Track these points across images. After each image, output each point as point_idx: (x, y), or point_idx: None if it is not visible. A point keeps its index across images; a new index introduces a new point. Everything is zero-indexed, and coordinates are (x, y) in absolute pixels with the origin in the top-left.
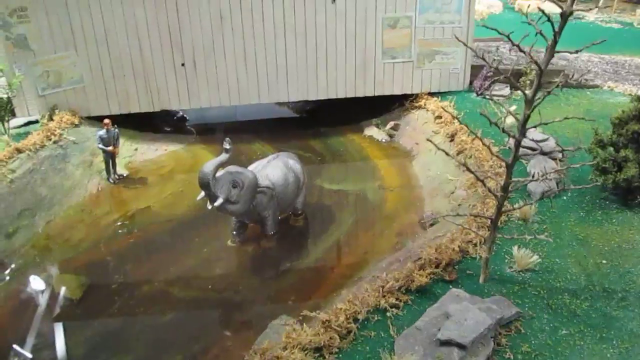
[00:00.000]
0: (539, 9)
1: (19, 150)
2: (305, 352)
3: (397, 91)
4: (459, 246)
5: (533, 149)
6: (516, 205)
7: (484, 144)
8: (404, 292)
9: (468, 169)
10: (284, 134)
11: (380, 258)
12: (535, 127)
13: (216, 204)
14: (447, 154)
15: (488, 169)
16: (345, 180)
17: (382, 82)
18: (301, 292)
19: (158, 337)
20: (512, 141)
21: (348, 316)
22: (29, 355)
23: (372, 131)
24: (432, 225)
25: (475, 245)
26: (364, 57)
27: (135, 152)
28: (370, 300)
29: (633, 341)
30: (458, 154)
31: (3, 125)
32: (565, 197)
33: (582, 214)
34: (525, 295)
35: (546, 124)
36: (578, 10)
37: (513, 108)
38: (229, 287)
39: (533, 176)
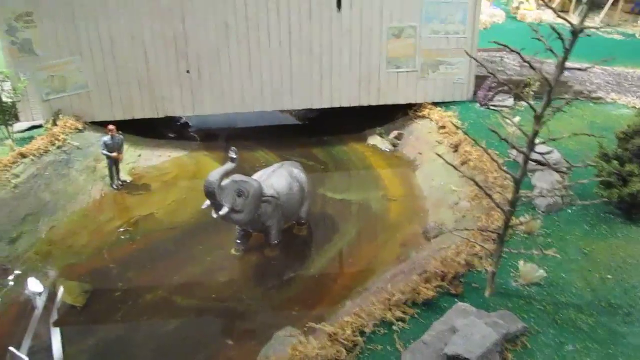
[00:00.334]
0: (549, 24)
1: (23, 155)
2: None
3: (401, 101)
4: (464, 259)
5: (542, 164)
6: (523, 219)
7: (492, 159)
8: (410, 305)
9: (477, 185)
10: (287, 142)
11: (384, 269)
12: (545, 142)
13: (222, 213)
14: (455, 168)
15: (493, 181)
16: (348, 190)
17: (386, 91)
18: (305, 302)
19: (161, 346)
20: (515, 152)
21: (355, 329)
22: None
23: (375, 140)
24: (436, 237)
25: (481, 258)
26: (368, 66)
27: (139, 159)
28: (376, 313)
29: (639, 357)
30: (462, 164)
31: (7, 129)
32: (570, 211)
33: (587, 228)
34: (531, 310)
35: (554, 139)
36: (590, 27)
37: (517, 119)
38: (233, 297)
39: (541, 192)
